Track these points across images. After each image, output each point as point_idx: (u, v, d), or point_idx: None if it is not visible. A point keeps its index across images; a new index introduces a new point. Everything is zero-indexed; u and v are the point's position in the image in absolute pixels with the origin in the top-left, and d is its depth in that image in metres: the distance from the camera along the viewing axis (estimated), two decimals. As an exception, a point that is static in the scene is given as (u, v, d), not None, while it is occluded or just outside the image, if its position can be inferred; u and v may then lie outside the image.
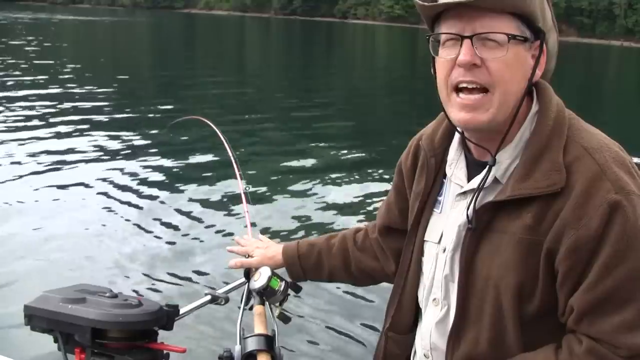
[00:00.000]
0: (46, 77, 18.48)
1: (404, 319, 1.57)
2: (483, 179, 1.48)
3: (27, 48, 28.12)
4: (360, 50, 47.91)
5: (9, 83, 16.84)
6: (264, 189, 8.28)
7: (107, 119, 12.80)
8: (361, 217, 7.46)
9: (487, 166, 1.48)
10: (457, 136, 1.62)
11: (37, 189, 7.79)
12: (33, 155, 9.44)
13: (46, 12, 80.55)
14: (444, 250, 1.57)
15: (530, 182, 1.40)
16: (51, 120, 12.17)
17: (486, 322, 1.45)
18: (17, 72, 19.20)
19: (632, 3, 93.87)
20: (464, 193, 1.55)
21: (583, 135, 1.45)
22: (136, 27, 61.31)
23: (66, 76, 19.16)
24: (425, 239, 1.65)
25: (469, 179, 1.55)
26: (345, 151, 11.29)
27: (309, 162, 10.24)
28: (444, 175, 1.64)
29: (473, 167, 1.56)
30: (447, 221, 1.58)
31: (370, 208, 7.80)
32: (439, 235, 1.60)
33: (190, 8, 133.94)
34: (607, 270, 1.33)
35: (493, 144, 1.48)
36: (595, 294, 1.34)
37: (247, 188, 2.10)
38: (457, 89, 1.44)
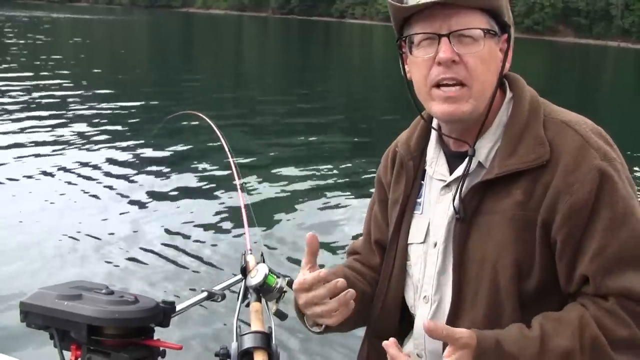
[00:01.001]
0: (41, 75, 18.43)
1: (388, 324, 1.58)
2: (467, 166, 1.52)
3: (22, 46, 28.09)
4: (358, 50, 47.95)
5: (3, 81, 16.82)
6: (261, 185, 8.23)
7: (103, 118, 12.72)
8: (361, 215, 7.46)
9: (469, 155, 1.52)
10: (434, 135, 1.66)
11: (32, 186, 7.77)
12: (28, 152, 9.40)
13: (43, 10, 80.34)
14: (435, 245, 1.58)
15: (516, 158, 1.45)
16: (46, 118, 12.12)
17: (482, 307, 1.46)
18: (12, 70, 19.17)
19: (629, 4, 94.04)
20: (448, 185, 1.58)
21: (559, 112, 1.53)
22: (133, 26, 61.27)
23: (62, 73, 19.08)
24: (409, 242, 1.66)
25: (451, 172, 1.59)
26: (342, 153, 11.24)
27: (305, 160, 10.23)
28: (422, 178, 1.67)
29: (453, 160, 1.60)
30: (433, 217, 1.60)
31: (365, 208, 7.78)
32: (422, 234, 1.62)
33: (188, 7, 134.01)
34: (611, 234, 1.37)
35: (471, 135, 1.54)
36: (606, 259, 1.38)
37: (244, 185, 2.10)
38: (437, 85, 1.48)
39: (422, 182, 1.66)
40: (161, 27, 63.12)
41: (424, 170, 1.67)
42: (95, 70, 21.03)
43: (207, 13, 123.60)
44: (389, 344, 1.39)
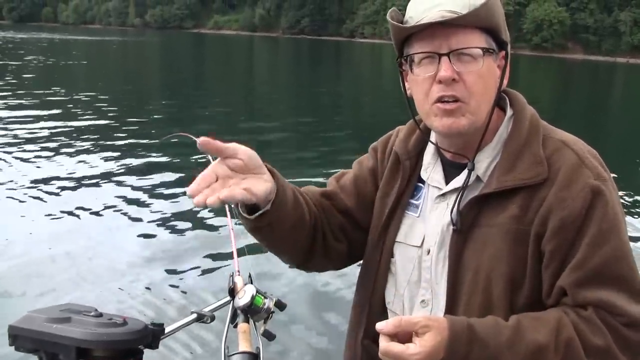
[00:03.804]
0: (50, 96, 18.67)
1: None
2: (466, 179, 1.55)
3: (33, 67, 28.40)
4: (369, 70, 47.98)
5: (17, 99, 17.12)
6: None
7: (99, 138, 12.70)
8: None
9: (467, 169, 1.56)
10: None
11: (21, 207, 7.77)
12: (18, 173, 9.46)
13: (58, 33, 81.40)
14: (428, 252, 1.60)
15: (514, 174, 1.49)
16: (41, 138, 12.25)
17: (474, 316, 1.46)
18: (23, 89, 19.49)
19: (638, 20, 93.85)
20: (444, 195, 1.60)
21: (557, 132, 1.58)
22: (146, 47, 61.75)
23: (71, 94, 19.29)
24: (398, 240, 1.68)
25: (447, 181, 1.62)
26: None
27: (298, 181, 10.17)
28: (419, 180, 1.69)
29: (449, 170, 1.63)
30: (428, 224, 1.62)
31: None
32: (420, 238, 1.64)
33: (200, 28, 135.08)
34: (593, 250, 1.40)
35: (469, 150, 1.57)
36: (584, 272, 1.41)
37: (232, 207, 2.10)
38: (437, 101, 1.52)
39: (421, 185, 1.69)
40: (173, 48, 63.53)
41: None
42: (103, 91, 21.18)
43: (218, 34, 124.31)
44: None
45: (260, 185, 1.45)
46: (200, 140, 1.39)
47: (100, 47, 56.61)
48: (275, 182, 1.51)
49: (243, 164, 1.43)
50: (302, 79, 34.07)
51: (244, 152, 1.44)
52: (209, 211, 7.79)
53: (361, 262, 1.82)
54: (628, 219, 8.45)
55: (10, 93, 18.60)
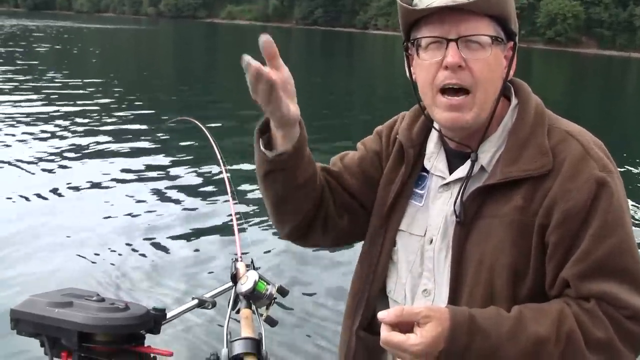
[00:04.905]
0: (62, 83, 18.76)
1: (374, 315, 1.57)
2: (470, 169, 1.54)
3: (47, 54, 28.52)
4: (381, 62, 47.82)
5: (30, 86, 17.32)
6: (252, 192, 8.00)
7: (106, 125, 12.79)
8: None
9: (471, 160, 1.55)
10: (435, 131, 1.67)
11: (23, 191, 7.81)
12: (21, 156, 9.54)
13: (72, 21, 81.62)
14: (431, 242, 1.58)
15: (519, 165, 1.47)
16: (44, 122, 12.36)
17: (477, 307, 1.46)
18: (37, 76, 19.65)
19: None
20: (447, 184, 1.59)
21: (562, 122, 1.55)
22: (159, 36, 61.79)
23: (84, 82, 19.38)
24: (401, 229, 1.66)
25: (450, 170, 1.60)
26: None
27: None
28: (423, 169, 1.67)
29: (453, 159, 1.61)
30: (431, 213, 1.61)
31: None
32: (423, 228, 1.62)
33: (213, 18, 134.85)
34: (597, 241, 1.39)
35: (473, 140, 1.55)
36: (588, 264, 1.39)
37: (236, 192, 2.11)
38: (442, 90, 1.49)
39: (426, 174, 1.67)
40: (186, 37, 63.49)
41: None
42: (115, 79, 21.28)
43: (232, 23, 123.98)
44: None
45: (294, 106, 1.47)
46: (266, 37, 1.40)
47: (114, 35, 56.70)
48: (300, 129, 1.53)
49: (285, 81, 1.44)
50: (315, 70, 33.97)
51: (288, 71, 1.45)
52: (213, 197, 7.81)
53: (360, 249, 1.80)
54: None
55: (23, 80, 18.77)
